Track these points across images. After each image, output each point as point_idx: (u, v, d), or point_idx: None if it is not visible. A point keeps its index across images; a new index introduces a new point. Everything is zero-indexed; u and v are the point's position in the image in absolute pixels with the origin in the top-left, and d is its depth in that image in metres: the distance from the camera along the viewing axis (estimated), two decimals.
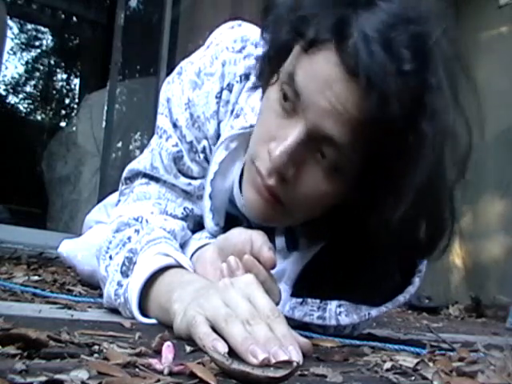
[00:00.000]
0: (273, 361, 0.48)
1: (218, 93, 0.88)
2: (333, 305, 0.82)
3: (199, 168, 0.90)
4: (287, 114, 0.74)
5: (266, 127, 0.77)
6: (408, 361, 0.61)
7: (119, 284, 0.79)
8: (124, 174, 0.93)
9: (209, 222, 0.90)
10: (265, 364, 0.48)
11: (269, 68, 0.79)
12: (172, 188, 0.90)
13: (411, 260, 0.83)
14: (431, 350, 0.74)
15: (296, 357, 0.50)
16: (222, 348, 0.51)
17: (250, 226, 0.87)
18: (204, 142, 0.89)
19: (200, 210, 0.91)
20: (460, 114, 0.72)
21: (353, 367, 0.57)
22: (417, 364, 0.60)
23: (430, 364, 0.61)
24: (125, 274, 0.79)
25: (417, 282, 0.82)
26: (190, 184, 0.90)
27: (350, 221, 0.77)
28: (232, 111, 0.89)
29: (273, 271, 0.74)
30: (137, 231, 0.83)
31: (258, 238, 0.75)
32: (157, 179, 0.90)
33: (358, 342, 0.76)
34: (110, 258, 0.83)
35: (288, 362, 0.48)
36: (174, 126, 0.89)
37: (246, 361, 0.49)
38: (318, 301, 0.83)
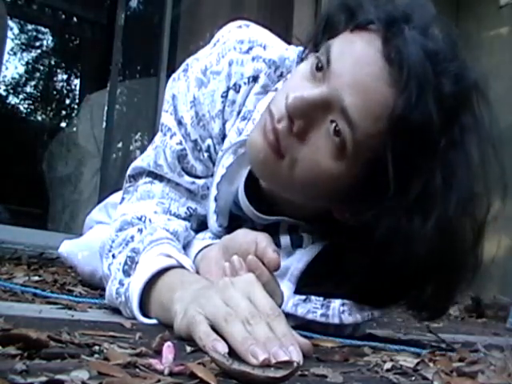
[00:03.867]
0: (273, 361, 0.48)
1: (223, 92, 0.88)
2: (336, 303, 0.82)
3: (203, 167, 0.90)
4: (314, 80, 0.75)
5: (290, 85, 0.78)
6: (408, 361, 0.61)
7: (121, 283, 0.79)
8: (128, 172, 0.93)
9: (212, 223, 0.90)
10: (265, 364, 0.48)
11: (312, 40, 0.82)
12: (176, 187, 0.90)
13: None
14: (431, 350, 0.74)
15: (296, 357, 0.50)
16: (222, 348, 0.51)
17: (253, 227, 0.87)
18: (208, 141, 0.89)
19: (204, 209, 0.91)
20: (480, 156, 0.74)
21: (353, 367, 0.57)
22: (417, 364, 0.60)
23: (431, 364, 0.61)
24: (127, 274, 0.79)
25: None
26: (193, 183, 0.89)
27: (355, 227, 0.77)
28: (239, 112, 0.89)
29: (276, 272, 0.74)
30: (140, 230, 0.83)
31: (263, 239, 0.75)
32: (161, 178, 0.90)
33: (358, 342, 0.76)
34: (113, 256, 0.83)
35: (288, 362, 0.48)
36: (179, 123, 0.89)
37: (246, 361, 0.49)
38: (321, 298, 0.83)
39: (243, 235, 0.78)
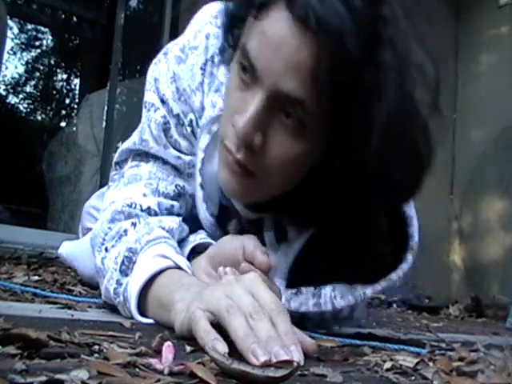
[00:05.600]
0: (274, 360, 0.48)
1: (202, 64, 0.89)
2: (327, 290, 0.83)
3: (187, 143, 0.91)
4: (247, 86, 0.74)
5: (230, 104, 0.78)
6: (408, 361, 0.61)
7: (118, 283, 0.79)
8: (114, 159, 0.94)
9: (203, 212, 0.90)
10: (265, 364, 0.48)
11: (227, 44, 0.81)
12: (162, 166, 0.90)
13: (400, 222, 0.82)
14: (431, 349, 0.74)
15: (297, 357, 0.50)
16: (222, 348, 0.51)
17: (240, 219, 0.87)
18: (191, 116, 0.91)
19: (191, 188, 0.91)
20: (419, 44, 0.72)
21: (353, 367, 0.57)
22: (417, 364, 0.60)
23: (430, 364, 0.61)
24: (124, 273, 0.79)
25: (410, 260, 0.82)
26: (179, 158, 0.90)
27: (335, 197, 0.77)
28: (214, 85, 0.90)
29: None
30: (133, 224, 0.83)
31: (250, 243, 0.76)
32: (147, 159, 0.90)
33: (358, 342, 0.76)
34: (106, 250, 0.83)
35: (289, 362, 0.48)
36: (162, 101, 0.90)
37: (246, 359, 0.49)
38: (312, 288, 0.83)
39: (229, 242, 0.79)
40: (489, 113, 3.74)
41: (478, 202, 3.72)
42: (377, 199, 0.76)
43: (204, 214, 0.90)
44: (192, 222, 0.92)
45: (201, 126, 0.89)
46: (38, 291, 0.95)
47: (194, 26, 0.93)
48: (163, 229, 0.83)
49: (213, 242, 0.87)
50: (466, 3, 4.00)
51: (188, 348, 0.55)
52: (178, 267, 0.76)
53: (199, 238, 0.90)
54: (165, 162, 0.90)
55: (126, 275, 0.79)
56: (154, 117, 0.90)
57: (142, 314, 0.76)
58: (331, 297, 0.82)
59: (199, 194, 0.89)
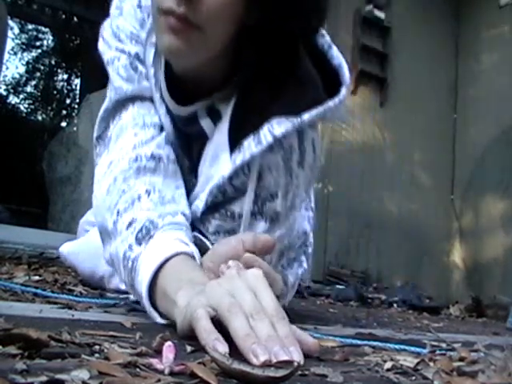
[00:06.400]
0: (274, 360, 0.48)
1: (137, 3, 0.95)
2: (264, 127, 0.84)
3: None
4: None
5: None
6: (408, 361, 0.61)
7: (130, 248, 0.79)
8: (95, 134, 0.96)
9: (163, 114, 0.93)
10: (265, 364, 0.48)
11: None
12: (141, 104, 0.94)
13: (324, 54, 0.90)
14: (432, 349, 0.74)
15: (297, 357, 0.50)
16: (223, 348, 0.51)
17: (176, 124, 0.93)
18: None
19: None
20: None
21: (353, 367, 0.57)
22: (417, 364, 0.60)
23: (431, 364, 0.61)
24: (138, 241, 0.79)
25: (343, 92, 0.87)
26: None
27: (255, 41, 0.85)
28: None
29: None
30: (147, 192, 0.84)
31: (247, 236, 0.76)
32: (125, 108, 0.94)
33: (358, 342, 0.76)
34: (118, 213, 0.84)
35: (289, 362, 0.48)
36: (119, 50, 0.95)
37: (246, 358, 0.49)
38: (251, 134, 0.84)
39: (225, 243, 0.79)
40: (489, 113, 3.74)
41: (478, 202, 3.72)
42: (291, 28, 0.85)
43: (164, 119, 0.93)
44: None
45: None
46: (38, 291, 0.95)
47: None
48: (184, 216, 0.85)
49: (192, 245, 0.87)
50: (467, 4, 4.01)
51: (188, 348, 0.55)
52: (192, 256, 0.77)
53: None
54: (142, 99, 0.94)
55: (140, 244, 0.79)
56: (119, 64, 0.95)
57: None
58: (269, 129, 0.83)
59: (156, 97, 0.93)
